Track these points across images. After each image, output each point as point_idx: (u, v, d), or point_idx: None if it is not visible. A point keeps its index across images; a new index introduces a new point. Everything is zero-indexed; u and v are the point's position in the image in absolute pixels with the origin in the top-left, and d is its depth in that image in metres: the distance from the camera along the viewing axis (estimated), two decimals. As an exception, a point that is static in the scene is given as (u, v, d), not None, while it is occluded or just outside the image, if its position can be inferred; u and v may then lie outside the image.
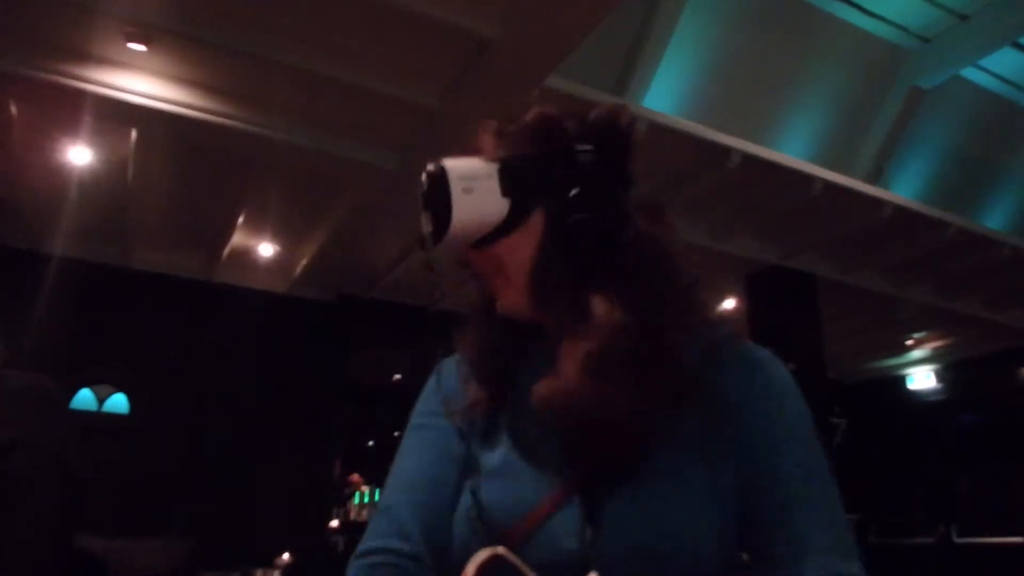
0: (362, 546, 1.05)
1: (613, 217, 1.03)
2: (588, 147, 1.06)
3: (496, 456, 1.05)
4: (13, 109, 5.11)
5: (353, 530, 8.86)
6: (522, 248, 1.04)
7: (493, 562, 0.85)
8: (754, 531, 0.96)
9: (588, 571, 0.88)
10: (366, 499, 10.08)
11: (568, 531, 0.93)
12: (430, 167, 1.04)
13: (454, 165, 1.03)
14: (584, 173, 1.04)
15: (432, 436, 1.14)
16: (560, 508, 0.95)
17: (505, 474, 1.02)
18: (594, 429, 0.94)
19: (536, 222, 1.04)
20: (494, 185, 1.03)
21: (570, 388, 0.95)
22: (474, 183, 1.02)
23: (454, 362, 1.20)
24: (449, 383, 1.17)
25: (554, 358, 1.01)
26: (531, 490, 0.98)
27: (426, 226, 1.05)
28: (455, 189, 1.01)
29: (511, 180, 1.04)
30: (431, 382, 1.21)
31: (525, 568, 0.82)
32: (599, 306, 0.98)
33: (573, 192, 1.03)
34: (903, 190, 7.01)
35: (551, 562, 0.91)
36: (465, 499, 1.04)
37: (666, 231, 1.08)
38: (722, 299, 8.00)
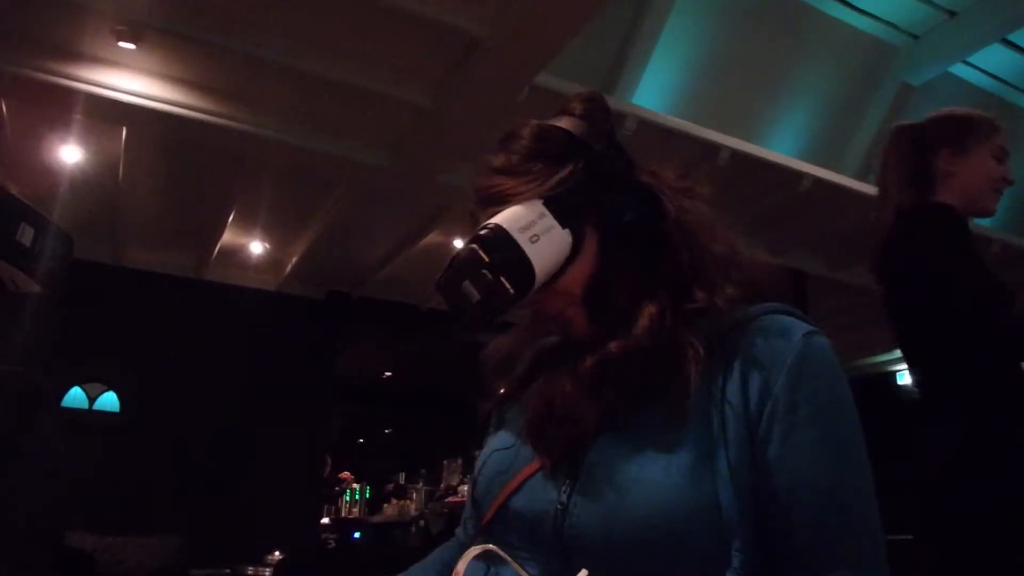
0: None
1: (649, 204, 1.03)
2: (599, 142, 1.05)
3: (499, 436, 1.11)
4: (3, 107, 5.10)
5: (344, 527, 8.88)
6: (583, 267, 1.02)
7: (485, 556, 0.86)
8: (770, 533, 0.86)
9: (564, 523, 0.89)
10: (356, 496, 10.11)
11: (548, 487, 0.94)
12: (483, 233, 0.98)
13: (505, 222, 0.98)
14: (607, 170, 1.04)
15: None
16: (542, 471, 0.97)
17: (501, 449, 1.07)
18: (547, 421, 0.98)
19: (591, 239, 1.03)
20: (551, 222, 0.99)
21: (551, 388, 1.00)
22: (535, 229, 0.97)
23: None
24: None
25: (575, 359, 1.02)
26: (520, 459, 1.01)
27: (491, 291, 0.96)
28: (523, 243, 0.96)
29: (562, 210, 1.00)
30: None
31: (515, 564, 0.83)
32: (644, 316, 0.97)
33: (611, 193, 1.02)
34: (892, 187, 7.01)
35: (531, 514, 0.94)
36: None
37: (695, 202, 1.08)
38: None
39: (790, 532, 0.86)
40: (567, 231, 0.99)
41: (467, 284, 0.97)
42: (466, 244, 0.98)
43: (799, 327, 0.96)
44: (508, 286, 0.95)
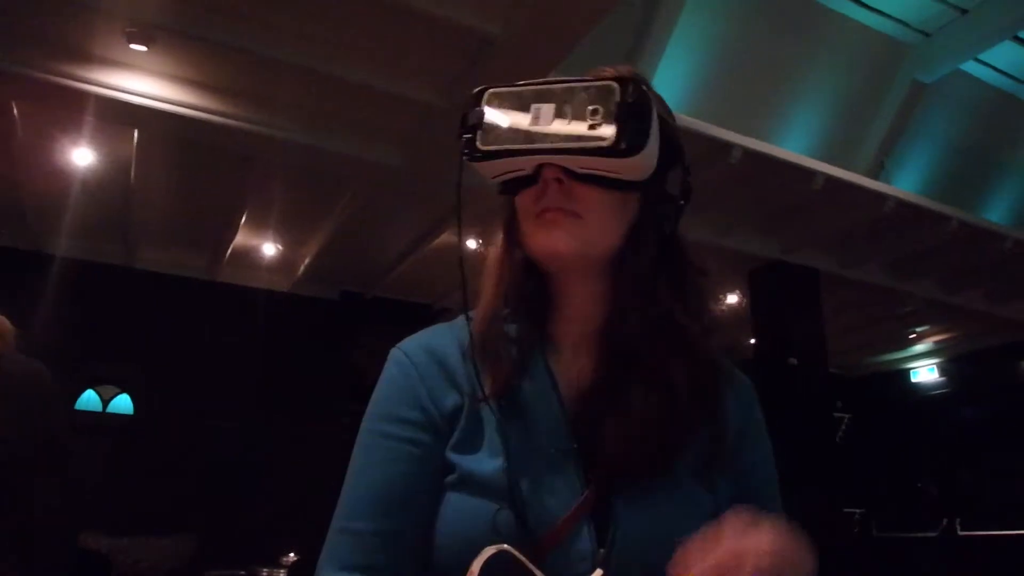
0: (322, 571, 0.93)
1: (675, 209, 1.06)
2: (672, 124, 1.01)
3: (491, 464, 0.92)
4: (15, 111, 5.12)
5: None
6: (616, 216, 0.97)
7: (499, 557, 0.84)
8: None
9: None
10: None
11: (582, 550, 0.88)
12: (628, 74, 0.96)
13: (655, 99, 0.95)
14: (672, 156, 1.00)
15: (398, 446, 0.97)
16: (574, 527, 0.88)
17: (516, 486, 0.90)
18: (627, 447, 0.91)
19: (633, 199, 0.98)
20: (656, 139, 0.92)
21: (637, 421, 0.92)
22: (654, 125, 0.91)
23: (436, 345, 1.09)
24: (430, 369, 1.03)
25: (566, 356, 1.00)
26: (550, 505, 0.89)
27: (603, 127, 0.88)
28: (654, 122, 0.91)
29: (664, 143, 0.94)
30: (392, 374, 1.05)
31: (531, 565, 0.81)
32: (681, 328, 0.98)
33: (670, 175, 1.01)
34: (905, 184, 7.00)
35: (568, 567, 0.87)
36: (455, 505, 0.92)
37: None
38: (725, 295, 8.01)
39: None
40: (655, 157, 0.93)
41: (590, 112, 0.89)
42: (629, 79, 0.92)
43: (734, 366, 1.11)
44: (617, 131, 0.88)
